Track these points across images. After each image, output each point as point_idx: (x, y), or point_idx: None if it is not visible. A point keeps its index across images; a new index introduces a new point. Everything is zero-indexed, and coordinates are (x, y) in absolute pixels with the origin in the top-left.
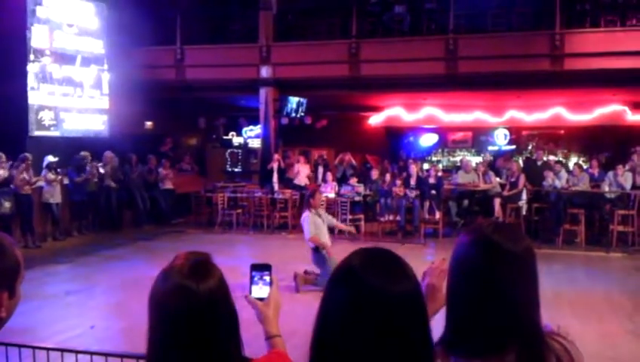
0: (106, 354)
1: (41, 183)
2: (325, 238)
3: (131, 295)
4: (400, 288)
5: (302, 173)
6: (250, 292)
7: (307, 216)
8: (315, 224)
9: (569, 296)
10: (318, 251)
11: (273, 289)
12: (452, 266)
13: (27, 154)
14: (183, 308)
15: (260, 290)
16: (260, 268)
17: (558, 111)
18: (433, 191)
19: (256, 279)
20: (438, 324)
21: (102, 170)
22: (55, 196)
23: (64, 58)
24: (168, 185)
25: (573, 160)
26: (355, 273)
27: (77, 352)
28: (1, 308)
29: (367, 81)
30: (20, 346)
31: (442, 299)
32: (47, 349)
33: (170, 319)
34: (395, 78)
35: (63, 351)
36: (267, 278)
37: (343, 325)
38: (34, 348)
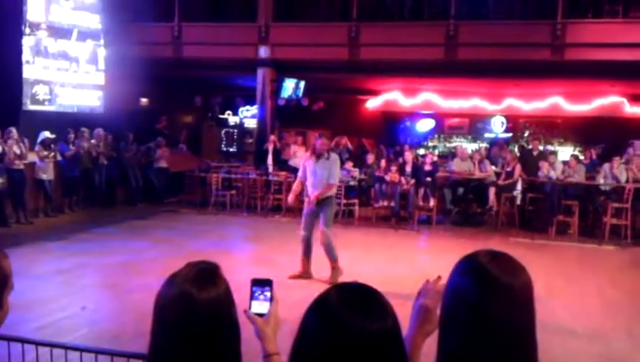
0: (97, 352)
1: (33, 158)
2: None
3: (123, 275)
4: (377, 327)
5: (298, 154)
6: (250, 308)
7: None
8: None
9: (561, 288)
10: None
11: (274, 305)
12: (447, 293)
13: (12, 128)
14: (183, 314)
15: (260, 306)
16: (261, 284)
17: (556, 101)
18: (428, 178)
19: (256, 294)
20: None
21: (93, 143)
22: (48, 172)
23: (60, 32)
24: (162, 164)
25: (569, 150)
26: (330, 309)
27: (66, 349)
28: None
29: (366, 65)
30: (8, 339)
31: (436, 321)
32: (36, 344)
33: (171, 325)
34: (394, 62)
35: (52, 346)
36: (268, 294)
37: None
38: (23, 341)
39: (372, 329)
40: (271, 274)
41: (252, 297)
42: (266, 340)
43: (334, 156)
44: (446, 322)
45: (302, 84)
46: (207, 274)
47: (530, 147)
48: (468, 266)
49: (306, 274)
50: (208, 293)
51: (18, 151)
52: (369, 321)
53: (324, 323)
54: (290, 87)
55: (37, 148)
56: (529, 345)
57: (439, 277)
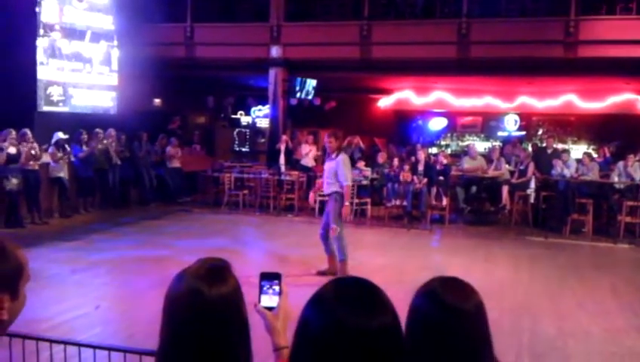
0: (109, 349)
1: (47, 159)
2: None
3: (137, 275)
4: (376, 323)
5: (309, 153)
6: (260, 302)
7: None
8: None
9: (575, 287)
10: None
11: (283, 299)
12: (410, 317)
13: (26, 130)
14: (192, 310)
15: (270, 300)
16: (270, 277)
17: (569, 99)
18: (441, 177)
19: (265, 288)
20: None
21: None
22: (62, 173)
23: (74, 33)
24: (176, 164)
25: (583, 148)
26: (326, 305)
27: (79, 346)
28: (3, 310)
29: (378, 64)
30: (23, 337)
31: None
32: (50, 341)
33: (180, 320)
34: (406, 61)
35: (66, 344)
36: (277, 288)
37: (316, 358)
38: (37, 339)
39: (370, 325)
40: (283, 272)
41: (261, 291)
42: (275, 334)
43: (341, 157)
44: (408, 341)
45: (313, 83)
46: (217, 271)
47: (544, 145)
48: (425, 294)
49: (331, 270)
50: (218, 290)
51: (33, 152)
52: (369, 318)
53: (321, 319)
54: (310, 84)
55: (51, 149)
56: (485, 356)
57: None
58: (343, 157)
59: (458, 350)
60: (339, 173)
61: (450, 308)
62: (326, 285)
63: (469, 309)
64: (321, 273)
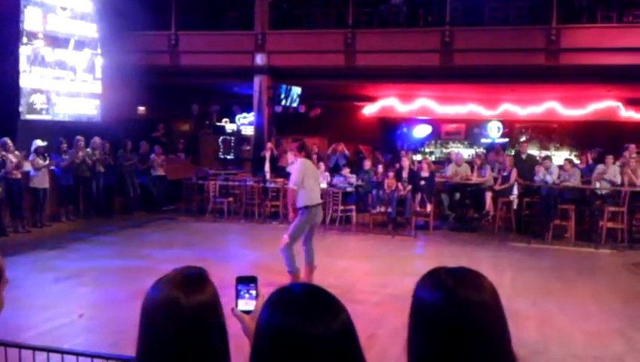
0: (92, 356)
1: (29, 168)
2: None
3: (120, 283)
4: (321, 328)
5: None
6: (237, 306)
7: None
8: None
9: (557, 292)
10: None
11: (259, 302)
12: (413, 316)
13: (6, 139)
14: (169, 319)
15: (246, 304)
16: (246, 281)
17: (552, 106)
18: (422, 182)
19: (242, 292)
20: None
21: (89, 151)
22: (42, 182)
23: (57, 41)
24: (160, 172)
25: (565, 154)
26: (277, 310)
27: (62, 353)
28: None
29: (363, 72)
30: (6, 345)
31: None
32: (34, 349)
33: (157, 329)
34: (390, 68)
35: (49, 351)
36: (253, 292)
37: (269, 356)
38: (20, 347)
39: (318, 330)
40: (265, 280)
41: (238, 295)
42: (253, 337)
43: (298, 161)
44: (417, 346)
45: (297, 90)
46: (193, 279)
47: (517, 150)
48: (433, 288)
49: (308, 280)
50: (196, 298)
51: (15, 161)
52: (314, 322)
53: (270, 325)
54: (295, 92)
55: (31, 157)
56: (504, 347)
57: None
58: (301, 161)
59: (475, 346)
60: (290, 176)
61: (465, 302)
62: (276, 291)
63: (485, 301)
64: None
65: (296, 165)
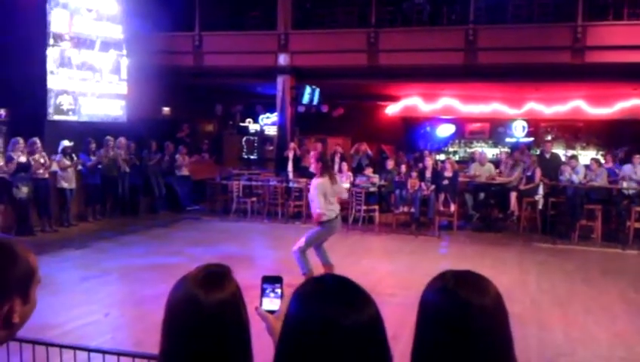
0: (119, 354)
1: (56, 168)
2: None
3: (146, 282)
4: (352, 318)
5: None
6: (261, 305)
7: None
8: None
9: (583, 293)
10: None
11: (284, 302)
12: (421, 317)
13: (35, 139)
14: (188, 316)
15: (271, 303)
16: (272, 281)
17: (577, 105)
18: (445, 181)
19: (267, 291)
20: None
21: (117, 151)
22: (69, 182)
23: (83, 43)
24: (184, 172)
25: (591, 154)
26: (307, 302)
27: (89, 351)
28: (14, 314)
29: (386, 71)
30: (34, 343)
31: None
32: (60, 347)
33: (178, 326)
34: (413, 67)
35: (75, 349)
36: (279, 291)
37: (300, 352)
38: (47, 345)
39: (348, 321)
40: (287, 280)
41: (263, 294)
42: (277, 336)
43: (317, 181)
44: (422, 346)
45: (317, 91)
46: (215, 277)
47: (541, 149)
48: (439, 290)
49: None
50: (217, 296)
51: (42, 161)
52: (346, 313)
53: (301, 315)
54: (311, 94)
55: (58, 157)
56: (506, 353)
57: None
58: (316, 184)
59: (474, 349)
60: (312, 201)
61: (465, 303)
62: (311, 280)
63: (486, 304)
64: None
65: (313, 189)
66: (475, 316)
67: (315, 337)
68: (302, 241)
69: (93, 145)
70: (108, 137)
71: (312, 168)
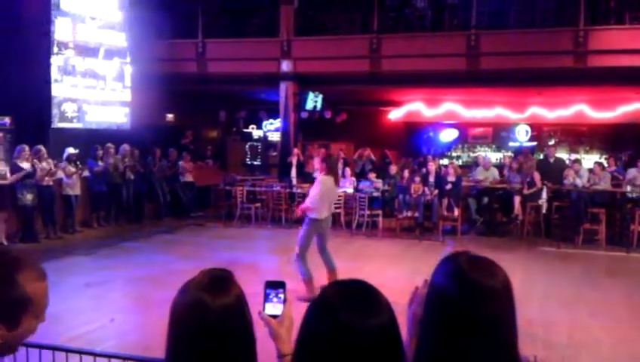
0: (125, 358)
1: (61, 175)
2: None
3: (151, 288)
4: (374, 322)
5: None
6: (264, 310)
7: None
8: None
9: (588, 297)
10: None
11: (287, 307)
12: (429, 299)
13: (40, 146)
14: (195, 320)
15: (274, 308)
16: (275, 286)
17: (580, 109)
18: (449, 186)
19: (270, 296)
20: None
21: (119, 158)
22: (74, 188)
23: (87, 51)
24: (189, 178)
25: (595, 157)
26: (329, 307)
27: (95, 356)
28: None
29: (388, 77)
30: (40, 347)
31: None
32: (67, 351)
33: (183, 331)
34: (415, 73)
35: (81, 353)
36: (282, 296)
37: (320, 358)
38: (53, 349)
39: (370, 325)
40: (292, 284)
41: (266, 299)
42: (280, 341)
43: (318, 179)
44: (430, 327)
45: (320, 97)
46: (219, 281)
47: (544, 154)
48: (449, 271)
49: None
50: (222, 300)
51: (47, 168)
52: (367, 317)
53: (324, 322)
54: (314, 100)
55: (63, 164)
56: (513, 342)
57: (426, 281)
58: (321, 180)
59: (477, 331)
60: (309, 196)
61: (473, 284)
62: (326, 288)
63: (494, 286)
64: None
65: (317, 184)
66: (484, 297)
67: (336, 341)
68: (296, 248)
69: (100, 152)
70: (108, 144)
71: (317, 168)
